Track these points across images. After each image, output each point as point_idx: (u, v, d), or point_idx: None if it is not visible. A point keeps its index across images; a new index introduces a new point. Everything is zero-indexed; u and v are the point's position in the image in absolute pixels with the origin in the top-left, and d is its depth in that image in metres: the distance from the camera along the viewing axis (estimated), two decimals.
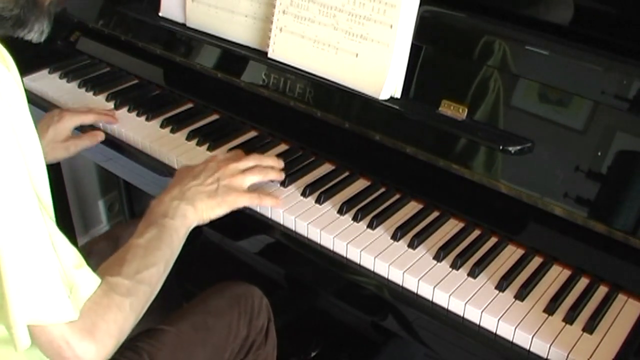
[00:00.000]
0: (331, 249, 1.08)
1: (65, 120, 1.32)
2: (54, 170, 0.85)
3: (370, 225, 1.09)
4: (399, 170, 1.18)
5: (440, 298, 0.98)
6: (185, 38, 1.43)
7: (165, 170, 1.31)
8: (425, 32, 1.13)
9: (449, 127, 1.09)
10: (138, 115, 1.42)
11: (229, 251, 1.97)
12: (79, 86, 1.55)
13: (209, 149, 1.30)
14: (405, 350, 1.65)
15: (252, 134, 1.36)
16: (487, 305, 0.96)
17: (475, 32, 1.09)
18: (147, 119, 1.40)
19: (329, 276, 1.11)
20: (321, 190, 1.16)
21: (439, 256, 1.03)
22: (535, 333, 0.91)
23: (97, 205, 2.26)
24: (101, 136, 1.36)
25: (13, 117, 0.76)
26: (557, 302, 0.95)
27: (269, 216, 1.15)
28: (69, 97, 1.50)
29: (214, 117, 1.42)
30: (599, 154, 0.98)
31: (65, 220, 0.84)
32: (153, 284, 0.94)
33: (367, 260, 1.05)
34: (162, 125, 1.38)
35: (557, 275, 1.01)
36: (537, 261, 1.04)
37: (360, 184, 1.20)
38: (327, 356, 1.70)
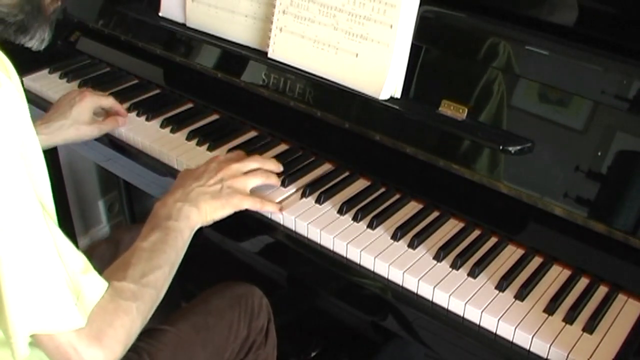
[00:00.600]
0: (331, 249, 1.08)
1: (87, 99, 1.33)
2: (54, 171, 0.85)
3: (370, 225, 1.09)
4: (399, 170, 1.18)
5: (440, 298, 0.98)
6: (185, 38, 1.43)
7: (165, 170, 1.31)
8: (425, 32, 1.13)
9: (449, 127, 1.09)
10: (138, 115, 1.42)
11: (229, 251, 1.97)
12: (79, 86, 1.55)
13: (209, 149, 1.30)
14: (405, 350, 1.65)
15: (252, 134, 1.36)
16: (487, 305, 0.96)
17: (476, 32, 1.09)
18: (147, 119, 1.40)
19: (329, 276, 1.11)
20: (321, 190, 1.16)
21: (439, 256, 1.03)
22: (535, 333, 0.91)
23: (97, 206, 2.26)
24: (123, 120, 1.37)
25: (15, 126, 0.76)
26: (557, 302, 0.95)
27: (269, 216, 1.15)
28: None
29: (214, 117, 1.42)
30: (599, 154, 0.98)
31: (65, 221, 0.84)
32: (159, 287, 0.94)
33: (367, 260, 1.05)
34: (162, 125, 1.38)
35: (557, 275, 1.01)
36: (537, 261, 1.04)
37: (360, 184, 1.20)
38: (327, 356, 1.70)
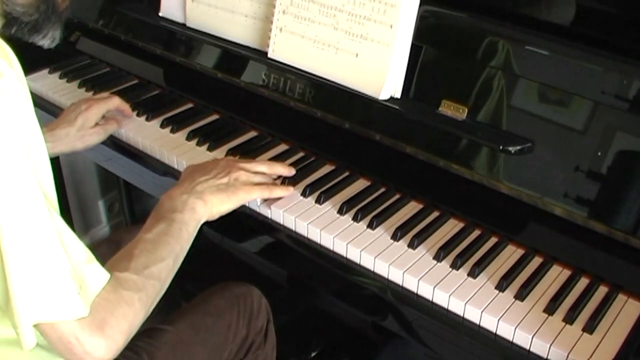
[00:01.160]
0: (331, 249, 1.08)
1: (94, 108, 1.33)
2: (54, 170, 0.85)
3: (370, 225, 1.09)
4: (399, 170, 1.18)
5: (440, 298, 0.98)
6: (185, 38, 1.43)
7: (165, 170, 1.31)
8: (425, 32, 1.13)
9: (449, 127, 1.09)
10: (138, 115, 1.42)
11: (229, 251, 1.97)
12: (79, 86, 1.55)
13: (209, 149, 1.30)
14: (405, 350, 1.65)
15: (252, 134, 1.36)
16: (487, 305, 0.96)
17: (475, 32, 1.09)
18: (147, 119, 1.40)
19: (328, 276, 1.11)
20: (321, 190, 1.16)
21: (439, 256, 1.03)
22: (535, 333, 0.91)
23: (97, 205, 2.26)
24: (129, 115, 1.38)
25: (17, 115, 0.76)
26: (557, 302, 0.95)
27: (269, 216, 1.15)
28: (69, 97, 1.50)
29: (214, 117, 1.42)
30: (599, 154, 0.98)
31: (65, 220, 0.84)
32: (162, 279, 0.93)
33: (367, 260, 1.05)
34: (162, 125, 1.38)
35: (557, 275, 1.01)
36: (537, 261, 1.04)
37: (360, 184, 1.20)
38: (327, 356, 1.70)
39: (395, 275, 1.02)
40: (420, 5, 1.11)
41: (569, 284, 0.99)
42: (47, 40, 0.93)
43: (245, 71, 1.33)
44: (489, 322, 0.94)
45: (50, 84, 1.57)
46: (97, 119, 1.34)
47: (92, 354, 0.81)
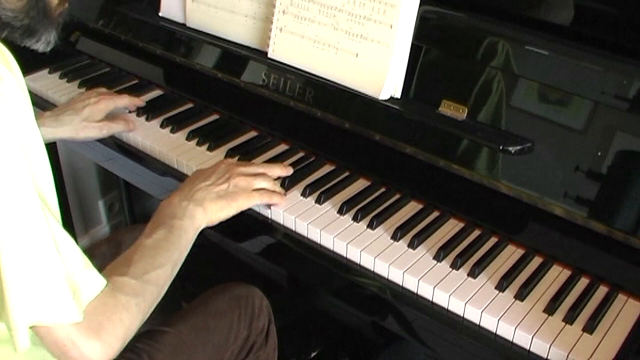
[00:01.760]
0: (331, 249, 1.08)
1: (102, 104, 1.34)
2: (54, 170, 0.85)
3: (370, 225, 1.09)
4: (399, 170, 1.18)
5: (440, 298, 0.98)
6: (185, 38, 1.43)
7: (165, 170, 1.31)
8: (425, 32, 1.13)
9: (449, 127, 1.09)
10: (138, 115, 1.42)
11: (229, 252, 1.97)
12: (79, 86, 1.55)
13: (209, 149, 1.30)
14: (405, 350, 1.65)
15: (252, 134, 1.36)
16: (487, 305, 0.96)
17: (475, 32, 1.09)
18: (147, 119, 1.40)
19: (328, 276, 1.11)
20: (321, 190, 1.16)
21: (439, 256, 1.03)
22: (535, 333, 0.91)
23: (97, 205, 2.26)
24: (132, 125, 1.37)
25: (15, 119, 0.76)
26: (557, 302, 0.95)
27: (269, 216, 1.15)
28: (69, 97, 1.49)
29: (214, 117, 1.42)
30: (599, 154, 0.98)
31: (65, 220, 0.84)
32: (160, 285, 0.94)
33: (367, 260, 1.05)
34: (162, 125, 1.38)
35: (557, 275, 1.01)
36: (537, 261, 1.04)
37: (360, 184, 1.20)
38: (327, 357, 1.70)
39: (395, 275, 1.02)
40: (420, 5, 1.11)
41: (569, 284, 0.99)
42: (42, 44, 0.93)
43: (245, 71, 1.33)
44: (489, 322, 0.94)
45: (50, 83, 1.57)
46: (103, 114, 1.35)
47: (87, 357, 0.82)
